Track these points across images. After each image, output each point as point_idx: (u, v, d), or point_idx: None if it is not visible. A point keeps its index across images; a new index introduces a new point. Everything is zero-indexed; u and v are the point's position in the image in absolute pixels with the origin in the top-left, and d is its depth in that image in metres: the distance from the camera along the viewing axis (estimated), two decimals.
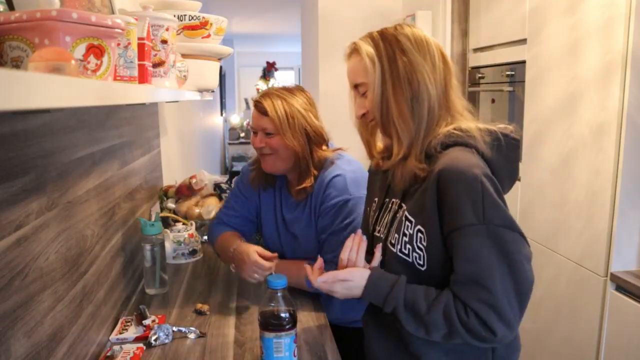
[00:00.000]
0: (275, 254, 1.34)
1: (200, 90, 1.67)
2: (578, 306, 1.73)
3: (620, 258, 1.58)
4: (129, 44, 0.87)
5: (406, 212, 0.97)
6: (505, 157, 0.96)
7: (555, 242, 1.86)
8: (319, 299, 1.45)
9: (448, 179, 0.89)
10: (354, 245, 1.05)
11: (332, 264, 1.25)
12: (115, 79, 0.80)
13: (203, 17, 1.55)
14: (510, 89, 2.18)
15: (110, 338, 1.23)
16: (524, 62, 2.04)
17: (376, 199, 1.12)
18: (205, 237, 2.01)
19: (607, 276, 1.60)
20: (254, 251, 1.32)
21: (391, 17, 3.20)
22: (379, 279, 0.97)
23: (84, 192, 1.09)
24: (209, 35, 1.58)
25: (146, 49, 0.98)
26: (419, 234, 0.94)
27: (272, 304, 1.04)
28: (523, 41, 2.05)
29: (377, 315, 1.08)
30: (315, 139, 1.40)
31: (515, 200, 2.11)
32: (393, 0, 3.23)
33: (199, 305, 1.38)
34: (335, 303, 1.51)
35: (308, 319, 1.33)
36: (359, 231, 1.09)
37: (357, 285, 0.98)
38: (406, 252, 0.96)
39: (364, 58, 0.98)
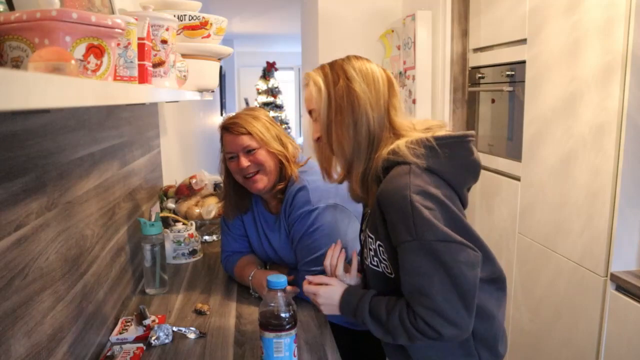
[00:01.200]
0: (292, 277, 1.39)
1: (200, 90, 1.67)
2: (578, 306, 1.73)
3: (620, 258, 1.58)
4: (129, 44, 0.87)
5: (367, 231, 1.09)
6: (448, 158, 1.01)
7: (555, 242, 1.86)
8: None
9: (384, 202, 0.99)
10: (334, 253, 1.18)
11: (303, 272, 1.36)
12: (115, 79, 0.80)
13: (203, 17, 1.55)
14: (510, 89, 2.18)
15: (110, 338, 1.23)
16: (524, 62, 2.04)
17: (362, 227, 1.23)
18: (206, 237, 2.01)
19: (607, 276, 1.60)
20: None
21: (391, 17, 3.20)
22: (349, 294, 1.09)
23: (84, 192, 1.09)
24: (209, 35, 1.58)
25: (146, 49, 0.98)
26: (380, 248, 1.05)
27: (272, 304, 1.05)
28: (523, 41, 2.05)
29: None
30: (288, 143, 1.46)
31: (515, 200, 2.11)
32: (393, 0, 3.23)
33: (199, 305, 1.38)
34: None
35: (308, 319, 1.33)
36: (339, 241, 1.21)
37: (331, 304, 1.11)
38: (375, 263, 1.08)
39: (313, 86, 1.09)
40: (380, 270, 1.07)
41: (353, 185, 1.08)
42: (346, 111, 1.04)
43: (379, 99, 1.05)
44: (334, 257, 1.18)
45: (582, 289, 1.71)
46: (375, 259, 1.07)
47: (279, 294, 1.05)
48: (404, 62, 2.94)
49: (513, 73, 2.16)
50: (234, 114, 1.49)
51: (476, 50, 2.54)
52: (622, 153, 1.52)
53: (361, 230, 1.22)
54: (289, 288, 1.31)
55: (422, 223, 0.93)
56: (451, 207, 0.98)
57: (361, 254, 1.21)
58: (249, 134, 1.39)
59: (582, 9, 1.67)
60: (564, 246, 1.80)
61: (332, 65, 1.10)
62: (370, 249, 1.08)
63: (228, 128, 1.41)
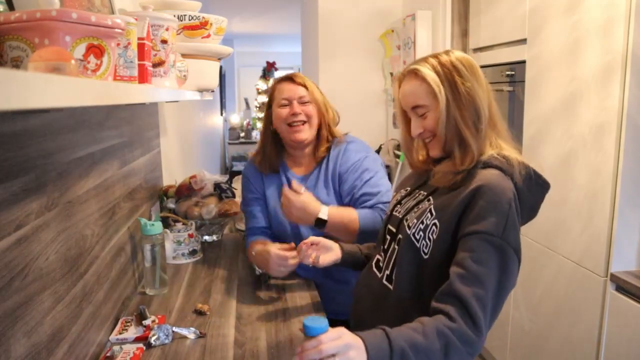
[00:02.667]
0: (293, 244, 1.37)
1: (200, 90, 1.67)
2: (578, 306, 1.73)
3: (620, 258, 1.58)
4: (129, 44, 0.87)
5: (432, 206, 1.07)
6: (532, 193, 1.06)
7: (555, 242, 1.86)
8: (318, 295, 1.46)
9: (484, 194, 0.99)
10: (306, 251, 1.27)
11: (376, 208, 1.47)
12: (115, 79, 0.80)
13: (203, 17, 1.55)
14: (510, 88, 2.18)
15: (110, 338, 1.23)
16: (524, 62, 2.04)
17: (408, 188, 1.22)
18: (206, 237, 2.01)
19: (607, 276, 1.60)
20: (274, 248, 1.37)
21: (391, 17, 3.20)
22: (372, 340, 0.94)
23: (84, 192, 1.09)
24: (209, 35, 1.58)
25: (146, 49, 0.98)
26: (433, 227, 1.04)
27: None
28: (523, 41, 2.05)
29: (367, 286, 1.19)
30: (332, 115, 1.61)
31: None
32: (393, 0, 3.23)
33: (199, 305, 1.38)
34: (334, 299, 1.53)
35: (307, 315, 1.33)
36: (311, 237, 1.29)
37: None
38: (417, 237, 1.06)
39: (428, 83, 1.06)
40: (418, 246, 1.05)
41: (450, 174, 1.07)
42: (467, 108, 1.04)
43: (485, 96, 1.07)
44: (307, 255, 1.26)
45: (582, 289, 1.71)
46: (420, 233, 1.05)
47: None
48: (404, 62, 2.94)
49: (513, 73, 2.16)
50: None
51: (476, 50, 2.54)
52: (622, 153, 1.52)
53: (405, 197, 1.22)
54: (289, 253, 1.34)
55: (512, 228, 0.98)
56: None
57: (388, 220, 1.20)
58: (307, 87, 1.55)
59: (582, 9, 1.67)
60: (564, 246, 1.80)
61: (438, 59, 1.08)
62: (422, 222, 1.06)
63: (290, 77, 1.58)
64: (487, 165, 1.04)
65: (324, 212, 1.40)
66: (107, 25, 0.69)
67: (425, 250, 1.04)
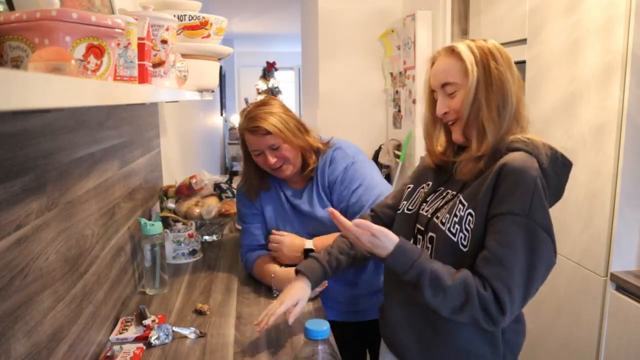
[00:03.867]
0: (325, 285, 1.37)
1: (200, 90, 1.67)
2: (578, 306, 1.73)
3: (620, 258, 1.58)
4: (129, 44, 0.87)
5: (461, 197, 1.05)
6: (557, 173, 1.05)
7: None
8: (318, 298, 1.45)
9: (508, 172, 0.98)
10: (279, 310, 1.15)
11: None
12: (115, 79, 0.80)
13: (203, 17, 1.55)
14: None
15: (110, 338, 1.23)
16: (524, 62, 2.04)
17: (429, 183, 1.19)
18: (206, 237, 2.01)
19: (607, 276, 1.60)
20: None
21: (391, 17, 3.20)
22: (405, 246, 1.03)
23: (84, 192, 1.09)
24: (209, 35, 1.58)
25: (146, 49, 0.98)
26: (469, 217, 1.02)
27: (311, 357, 0.90)
28: (523, 41, 2.05)
29: (399, 285, 1.12)
30: (304, 128, 1.51)
31: None
32: (393, 0, 3.23)
33: (199, 305, 1.38)
34: (335, 300, 1.53)
35: (308, 317, 1.33)
36: (285, 304, 1.17)
37: (383, 245, 1.03)
38: (454, 231, 1.04)
39: (464, 61, 1.05)
40: (456, 240, 1.03)
41: (482, 162, 1.05)
42: (495, 93, 1.03)
43: (515, 88, 1.06)
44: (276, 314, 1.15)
45: (582, 289, 1.71)
46: (456, 226, 1.03)
47: (320, 346, 0.90)
48: (404, 62, 2.94)
49: None
50: (250, 110, 1.48)
51: None
52: (622, 153, 1.52)
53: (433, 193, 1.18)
54: (318, 289, 1.34)
55: (538, 205, 0.96)
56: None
57: (415, 219, 1.16)
58: (271, 133, 1.42)
59: (582, 9, 1.67)
60: (564, 246, 1.80)
61: (475, 43, 1.08)
62: (455, 215, 1.04)
63: (251, 130, 1.44)
64: (510, 149, 1.03)
65: (309, 243, 1.47)
66: (107, 25, 0.69)
67: (465, 243, 1.02)
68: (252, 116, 1.45)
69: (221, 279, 1.62)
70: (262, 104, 1.49)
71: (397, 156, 3.06)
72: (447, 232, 1.04)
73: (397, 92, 3.11)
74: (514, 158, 0.99)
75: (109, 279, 1.26)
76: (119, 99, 0.67)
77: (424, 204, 1.16)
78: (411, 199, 1.20)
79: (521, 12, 2.06)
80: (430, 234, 1.09)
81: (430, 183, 1.19)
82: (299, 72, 9.39)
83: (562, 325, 1.82)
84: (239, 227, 2.11)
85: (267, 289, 1.51)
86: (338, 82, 3.30)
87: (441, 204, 1.11)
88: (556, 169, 1.05)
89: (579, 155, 1.70)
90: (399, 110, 3.09)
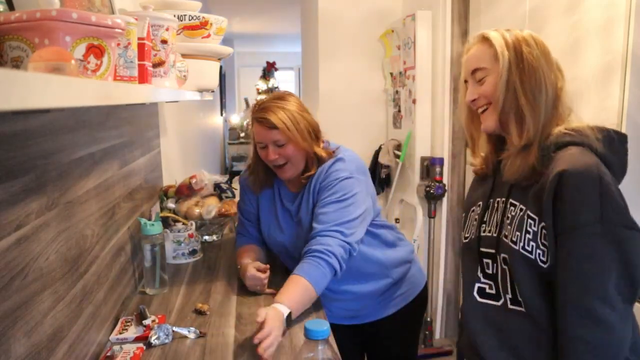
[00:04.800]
0: (268, 266, 1.48)
1: (200, 90, 1.67)
2: None
3: None
4: (129, 44, 0.87)
5: (528, 211, 0.99)
6: (616, 152, 0.99)
7: None
8: (319, 299, 1.45)
9: (568, 180, 0.91)
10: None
11: (324, 235, 1.34)
12: (115, 79, 0.80)
13: (203, 17, 1.55)
14: None
15: (110, 338, 1.23)
16: None
17: (480, 203, 1.14)
18: (206, 237, 2.01)
19: None
20: (251, 267, 1.45)
21: (391, 17, 3.20)
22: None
23: (84, 192, 1.09)
24: (209, 35, 1.58)
25: (146, 49, 0.98)
26: (544, 231, 0.95)
27: (312, 356, 0.89)
28: None
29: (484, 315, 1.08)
30: (315, 134, 1.47)
31: None
32: (393, 0, 3.23)
33: (199, 305, 1.38)
34: (334, 303, 1.53)
35: (308, 318, 1.33)
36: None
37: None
38: (529, 249, 0.97)
39: (494, 45, 1.03)
40: (533, 257, 0.96)
41: (533, 154, 0.98)
42: (528, 77, 1.00)
43: (553, 77, 1.02)
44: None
45: None
46: (531, 243, 0.96)
47: (320, 346, 0.89)
48: (404, 62, 2.94)
49: None
50: (265, 100, 1.46)
51: None
52: None
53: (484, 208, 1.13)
54: (262, 275, 1.38)
55: (612, 206, 0.90)
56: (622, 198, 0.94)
57: (478, 243, 1.10)
58: (277, 128, 1.39)
59: (582, 9, 1.67)
60: None
61: (509, 31, 1.05)
62: (527, 232, 0.97)
63: (260, 120, 1.41)
64: (559, 145, 0.97)
65: (285, 311, 1.22)
66: (107, 25, 0.69)
67: (544, 259, 0.95)
68: (264, 107, 1.43)
69: (221, 279, 1.62)
70: (279, 97, 1.45)
71: (397, 156, 3.06)
72: (521, 250, 0.98)
73: (397, 92, 3.11)
74: (570, 163, 0.92)
75: (109, 279, 1.26)
76: (119, 99, 0.67)
77: (483, 225, 1.10)
78: (466, 227, 1.16)
79: (521, 12, 2.06)
80: (503, 255, 1.03)
81: (480, 203, 1.13)
82: (299, 72, 9.39)
83: None
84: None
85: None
86: (338, 82, 3.30)
87: (500, 217, 1.06)
88: (614, 148, 0.98)
89: None
90: (399, 110, 3.09)
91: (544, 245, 0.95)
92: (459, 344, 1.21)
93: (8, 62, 0.65)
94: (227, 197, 1.97)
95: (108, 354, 1.14)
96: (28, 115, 0.82)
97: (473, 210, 1.15)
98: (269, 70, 8.97)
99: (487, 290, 1.07)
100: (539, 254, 0.96)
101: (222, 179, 2.04)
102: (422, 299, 1.63)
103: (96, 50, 0.69)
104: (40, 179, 0.86)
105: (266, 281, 1.45)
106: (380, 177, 3.11)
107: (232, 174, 5.32)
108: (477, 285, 1.09)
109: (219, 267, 1.73)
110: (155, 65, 1.12)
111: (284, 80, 9.69)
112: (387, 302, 1.56)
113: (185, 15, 1.52)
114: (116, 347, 1.16)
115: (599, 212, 0.89)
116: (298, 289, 1.28)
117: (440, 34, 2.65)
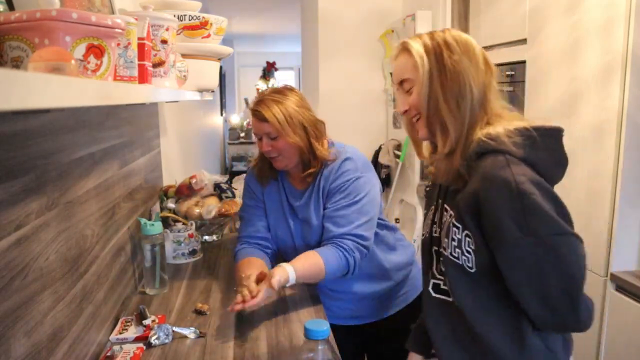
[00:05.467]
0: (265, 272, 1.33)
1: (200, 90, 1.67)
2: None
3: (620, 258, 1.58)
4: (129, 44, 0.87)
5: (453, 220, 1.01)
6: (543, 149, 0.97)
7: None
8: (318, 298, 1.45)
9: (486, 196, 0.92)
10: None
11: (344, 239, 1.37)
12: (115, 79, 0.80)
13: (203, 17, 1.55)
14: (510, 89, 2.18)
15: (110, 338, 1.23)
16: (524, 62, 2.04)
17: (436, 203, 1.15)
18: (206, 237, 2.01)
19: (607, 276, 1.60)
20: (244, 288, 1.27)
21: (391, 17, 3.20)
22: None
23: (84, 192, 1.09)
24: (209, 35, 1.58)
25: (146, 49, 0.98)
26: (467, 239, 0.98)
27: (312, 356, 0.90)
28: (523, 41, 2.05)
29: (438, 297, 1.11)
30: (314, 131, 1.46)
31: None
32: (393, 0, 3.23)
33: (199, 305, 1.38)
34: (335, 302, 1.53)
35: (308, 318, 1.33)
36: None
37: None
38: (456, 255, 1.00)
39: (413, 55, 1.01)
40: (460, 263, 0.99)
41: (457, 159, 0.99)
42: (450, 83, 0.98)
43: (479, 76, 1.00)
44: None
45: None
46: (457, 250, 1.00)
47: (320, 346, 0.89)
48: None
49: (513, 73, 2.16)
50: (264, 93, 1.48)
51: None
52: (622, 153, 1.52)
53: (431, 209, 1.15)
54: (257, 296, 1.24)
55: (536, 216, 0.89)
56: (558, 195, 0.94)
57: (431, 243, 1.13)
58: (268, 122, 1.41)
59: (582, 9, 1.67)
60: None
61: (432, 35, 1.03)
62: (453, 239, 1.00)
63: (254, 111, 1.45)
64: (479, 154, 0.97)
65: (291, 279, 1.28)
66: (107, 25, 0.69)
67: (470, 265, 0.98)
68: (260, 99, 1.45)
69: (221, 279, 1.62)
70: (278, 91, 1.47)
71: (397, 156, 3.06)
72: (450, 256, 1.01)
73: None
74: (486, 177, 0.92)
75: (109, 279, 1.26)
76: (119, 99, 0.67)
77: (434, 225, 1.12)
78: (424, 224, 1.18)
79: (521, 12, 2.06)
80: (442, 257, 1.06)
81: (435, 203, 1.14)
82: (299, 72, 9.39)
83: None
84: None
85: (266, 290, 1.50)
86: (338, 82, 3.30)
87: (440, 218, 1.08)
88: (538, 147, 0.95)
89: (578, 155, 1.70)
90: None
91: (468, 252, 0.98)
92: (414, 325, 1.26)
93: (8, 62, 0.65)
94: (227, 197, 1.97)
95: (108, 354, 1.14)
96: (28, 115, 0.82)
97: (431, 209, 1.17)
98: (269, 70, 8.97)
99: (442, 286, 1.10)
100: (465, 260, 0.99)
101: (222, 179, 2.04)
102: (422, 300, 1.63)
103: (96, 50, 0.69)
104: (40, 179, 0.86)
105: (253, 302, 1.24)
106: (380, 177, 3.11)
107: (232, 174, 5.31)
108: (432, 281, 1.12)
109: (219, 267, 1.73)
110: (155, 65, 1.12)
111: (284, 81, 9.69)
112: (387, 303, 1.56)
113: (185, 15, 1.52)
114: (116, 347, 1.16)
115: (526, 227, 0.89)
116: (309, 260, 1.34)
117: None
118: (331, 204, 1.44)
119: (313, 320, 0.93)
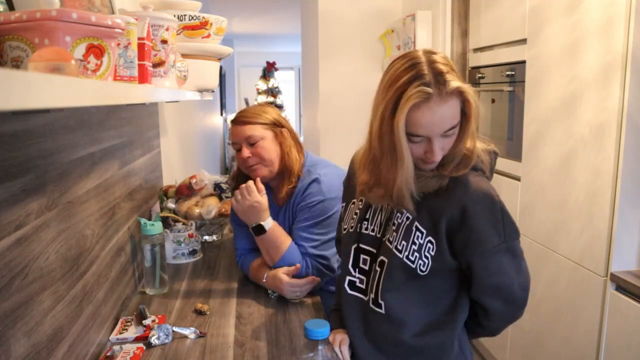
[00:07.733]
0: (298, 265, 1.43)
1: (200, 90, 1.67)
2: (578, 306, 1.73)
3: (620, 258, 1.58)
4: (129, 44, 0.87)
5: (417, 223, 1.03)
6: (490, 172, 1.11)
7: (555, 242, 1.86)
8: (319, 296, 1.45)
9: (473, 208, 0.99)
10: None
11: (306, 255, 1.45)
12: (115, 79, 0.80)
13: (203, 17, 1.55)
14: (510, 89, 2.18)
15: (110, 338, 1.23)
16: (524, 62, 2.04)
17: (362, 199, 1.15)
18: (206, 237, 2.01)
19: (607, 276, 1.60)
20: (282, 274, 1.42)
21: (391, 17, 3.20)
22: None
23: (84, 192, 1.09)
24: (209, 35, 1.58)
25: (146, 49, 0.98)
26: (429, 244, 1.02)
27: (312, 356, 0.92)
28: (523, 41, 2.05)
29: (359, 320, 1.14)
30: (293, 139, 1.54)
31: (515, 200, 2.11)
32: (393, 0, 3.23)
33: (199, 305, 1.38)
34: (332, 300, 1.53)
35: (308, 318, 1.33)
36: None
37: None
38: (412, 258, 1.03)
39: (462, 98, 0.95)
40: (414, 266, 1.03)
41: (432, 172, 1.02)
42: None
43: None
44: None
45: (582, 289, 1.71)
46: (416, 254, 1.02)
47: (320, 346, 0.91)
48: None
49: (513, 73, 2.16)
50: (244, 108, 1.59)
51: (476, 50, 2.54)
52: (622, 153, 1.52)
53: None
54: (300, 281, 1.38)
55: (510, 225, 1.01)
56: None
57: (357, 238, 1.14)
58: (251, 124, 1.48)
59: (582, 9, 1.67)
60: (564, 246, 1.80)
61: (452, 68, 0.98)
62: (414, 243, 1.02)
63: (234, 119, 1.53)
64: (465, 166, 1.02)
65: (268, 223, 1.45)
66: (107, 25, 0.69)
67: (423, 269, 1.03)
68: (241, 111, 1.56)
69: (221, 279, 1.62)
70: (259, 105, 1.60)
71: None
72: (404, 259, 1.03)
73: None
74: (471, 190, 0.99)
75: (109, 279, 1.26)
76: (119, 99, 0.67)
77: (365, 222, 1.13)
78: (346, 218, 1.20)
79: (521, 12, 2.06)
80: (382, 258, 1.07)
81: (363, 198, 1.14)
82: (299, 72, 9.39)
83: (562, 325, 1.82)
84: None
85: (267, 289, 1.51)
86: (338, 82, 3.30)
87: (385, 220, 1.09)
88: (491, 172, 1.10)
89: (579, 155, 1.70)
90: None
91: (426, 257, 1.03)
92: (331, 314, 1.28)
93: (8, 62, 0.65)
94: (227, 197, 1.97)
95: (108, 354, 1.14)
96: (28, 115, 0.82)
97: (354, 203, 1.18)
98: (269, 70, 8.98)
99: (357, 284, 1.13)
100: (420, 264, 1.03)
101: (222, 179, 2.04)
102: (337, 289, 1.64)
103: (96, 50, 0.69)
104: (40, 179, 0.86)
105: (307, 287, 1.41)
106: None
107: None
108: (348, 278, 1.15)
109: (219, 267, 1.73)
110: (155, 65, 1.11)
111: (284, 80, 9.69)
112: None
113: (185, 15, 1.52)
114: (116, 347, 1.16)
115: (503, 233, 1.00)
116: (282, 237, 1.46)
117: (440, 34, 2.65)
118: (296, 222, 1.51)
119: (313, 320, 0.95)
